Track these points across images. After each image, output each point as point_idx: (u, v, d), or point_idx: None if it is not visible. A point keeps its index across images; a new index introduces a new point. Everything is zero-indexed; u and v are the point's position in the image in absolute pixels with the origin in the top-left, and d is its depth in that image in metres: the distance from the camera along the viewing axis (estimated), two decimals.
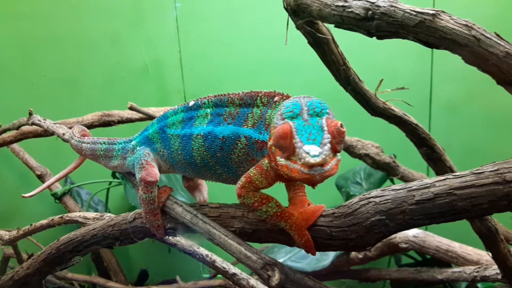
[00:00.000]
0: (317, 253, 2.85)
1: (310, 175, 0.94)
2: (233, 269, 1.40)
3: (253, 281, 1.38)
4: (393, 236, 2.42)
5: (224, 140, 1.22)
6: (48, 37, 3.05)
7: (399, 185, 1.10)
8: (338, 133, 1.00)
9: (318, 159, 0.93)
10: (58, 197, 2.87)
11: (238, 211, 1.27)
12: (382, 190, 1.10)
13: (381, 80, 1.67)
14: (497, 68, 1.00)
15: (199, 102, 1.31)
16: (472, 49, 1.01)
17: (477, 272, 2.05)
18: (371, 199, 1.09)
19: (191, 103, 1.33)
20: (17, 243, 2.68)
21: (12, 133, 2.54)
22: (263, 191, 1.20)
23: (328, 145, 0.96)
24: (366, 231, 1.08)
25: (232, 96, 1.26)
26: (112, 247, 1.53)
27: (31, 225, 1.78)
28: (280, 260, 2.74)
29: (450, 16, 1.05)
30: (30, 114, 2.01)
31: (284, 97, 1.18)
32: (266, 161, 1.15)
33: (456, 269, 2.18)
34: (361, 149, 2.86)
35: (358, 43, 2.54)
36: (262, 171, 1.14)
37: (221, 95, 1.28)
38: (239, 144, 1.21)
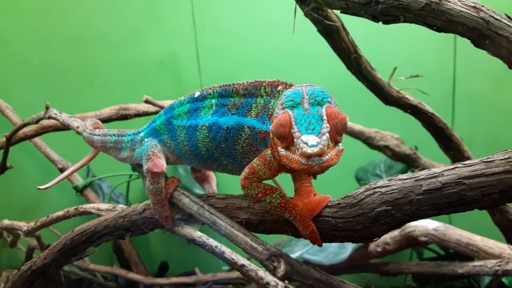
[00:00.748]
0: (335, 246, 2.82)
1: (308, 165, 0.92)
2: (242, 260, 1.39)
3: (261, 272, 1.37)
4: (413, 229, 2.37)
5: (228, 130, 1.21)
6: (69, 34, 3.11)
7: (406, 174, 1.06)
8: (338, 122, 0.97)
9: (315, 149, 0.91)
10: (79, 190, 2.93)
11: (244, 202, 1.26)
12: (388, 180, 1.07)
13: (395, 68, 1.62)
14: (507, 51, 0.95)
15: (205, 92, 1.30)
16: (481, 32, 0.97)
17: (498, 266, 1.99)
18: (377, 189, 1.06)
19: (197, 93, 1.32)
20: (42, 235, 2.76)
21: (33, 127, 2.59)
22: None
23: (327, 134, 0.94)
24: (371, 222, 1.06)
25: (236, 86, 1.25)
26: (124, 238, 1.54)
27: (48, 216, 1.81)
28: (298, 253, 2.74)
29: None
30: (47, 108, 2.04)
31: (287, 86, 1.16)
32: (269, 151, 1.13)
33: (477, 263, 2.12)
34: (380, 141, 2.80)
35: (380, 32, 2.49)
36: (265, 162, 1.13)
37: (226, 85, 1.27)
38: (243, 135, 1.20)
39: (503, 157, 0.98)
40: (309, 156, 0.92)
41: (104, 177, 3.12)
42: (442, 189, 1.00)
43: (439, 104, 3.10)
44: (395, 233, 2.45)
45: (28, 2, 3.03)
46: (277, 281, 1.32)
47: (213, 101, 1.28)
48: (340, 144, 0.99)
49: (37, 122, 2.38)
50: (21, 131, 2.53)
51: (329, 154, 0.94)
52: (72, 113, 2.09)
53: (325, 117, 0.97)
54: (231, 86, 1.26)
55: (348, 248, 2.62)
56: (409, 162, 2.78)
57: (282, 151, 1.00)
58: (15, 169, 2.60)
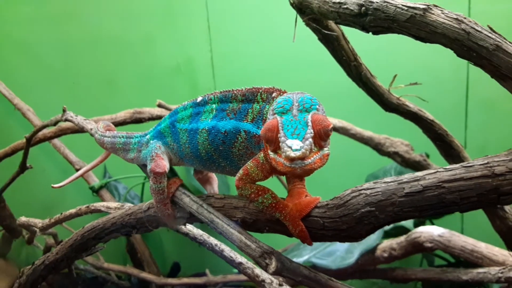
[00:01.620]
0: (342, 251, 2.84)
1: (292, 168, 0.99)
2: (240, 259, 1.46)
3: (257, 270, 1.43)
4: (418, 235, 2.39)
5: (226, 134, 1.28)
6: (88, 39, 3.24)
7: (391, 178, 1.11)
8: (322, 128, 1.03)
9: (298, 153, 0.98)
10: (95, 190, 3.04)
11: (240, 202, 1.32)
12: (374, 183, 1.12)
13: (395, 76, 1.67)
14: (487, 61, 0.99)
15: (206, 98, 1.38)
16: (462, 43, 1.01)
17: (501, 273, 2.00)
18: (362, 191, 1.11)
19: (199, 99, 1.40)
20: (58, 233, 2.88)
21: (52, 129, 2.71)
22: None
23: (310, 140, 1.01)
24: (356, 222, 1.11)
25: (236, 92, 1.32)
26: (130, 235, 1.62)
27: (61, 213, 1.91)
28: (305, 257, 2.79)
29: (442, 10, 1.05)
30: (64, 110, 2.15)
31: (281, 93, 1.23)
32: (262, 154, 1.20)
33: (481, 270, 2.13)
34: (389, 147, 2.83)
35: (393, 40, 2.52)
36: (258, 164, 1.20)
37: (226, 91, 1.34)
38: (239, 138, 1.27)
39: (482, 162, 1.02)
40: (292, 159, 0.98)
41: (119, 178, 3.23)
42: (423, 192, 1.04)
43: (452, 110, 3.12)
44: (401, 239, 2.48)
45: (49, 9, 3.17)
46: (272, 278, 1.38)
47: (214, 106, 1.35)
48: (325, 149, 1.06)
49: (55, 124, 2.49)
50: (40, 133, 2.65)
51: (312, 158, 1.00)
52: (90, 116, 2.20)
53: (310, 123, 1.03)
54: (231, 92, 1.33)
55: (355, 253, 2.65)
56: (419, 169, 2.79)
57: (271, 154, 1.07)
58: (35, 169, 2.72)
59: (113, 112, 2.76)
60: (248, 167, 1.21)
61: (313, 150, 1.02)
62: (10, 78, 3.19)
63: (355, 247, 2.66)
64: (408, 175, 1.09)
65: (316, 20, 1.44)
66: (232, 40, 3.18)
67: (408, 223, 2.59)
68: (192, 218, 1.43)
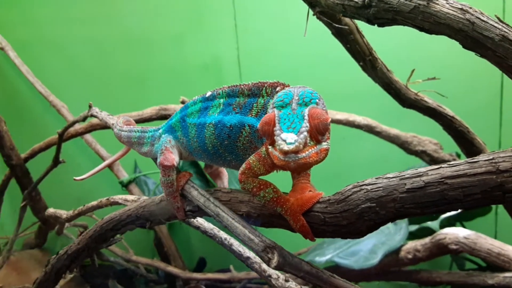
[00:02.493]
0: (366, 251, 2.80)
1: (285, 161, 0.98)
2: (248, 253, 1.47)
3: (265, 265, 1.43)
4: (443, 236, 2.32)
5: (231, 128, 1.29)
6: (120, 39, 3.34)
7: (393, 173, 1.08)
8: (319, 122, 1.02)
9: (291, 146, 0.97)
10: (125, 185, 3.13)
11: (245, 196, 1.32)
12: (376, 178, 1.10)
13: (413, 71, 1.62)
14: (492, 52, 0.95)
15: (215, 92, 1.39)
16: (466, 34, 0.97)
17: None
18: (364, 187, 1.09)
19: (208, 93, 1.41)
20: (89, 225, 2.98)
21: (83, 125, 2.81)
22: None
23: (305, 133, 0.99)
24: (356, 218, 1.09)
25: (242, 87, 1.32)
26: (145, 227, 1.65)
27: (84, 205, 1.98)
28: (328, 256, 2.76)
29: (447, 0, 1.02)
30: (90, 106, 2.22)
31: (284, 87, 1.22)
32: (264, 148, 1.19)
33: (507, 274, 2.04)
34: (417, 146, 2.75)
35: (423, 35, 2.46)
36: (260, 158, 1.19)
37: (234, 85, 1.35)
38: (243, 133, 1.27)
39: (487, 158, 0.98)
40: (285, 153, 0.98)
41: (148, 173, 3.31)
42: (425, 188, 1.01)
43: (485, 106, 3.01)
44: (426, 240, 2.41)
45: (82, 10, 3.30)
46: (279, 273, 1.38)
47: (221, 100, 1.36)
48: (324, 143, 1.04)
49: (84, 120, 2.58)
50: (72, 129, 2.76)
51: (307, 152, 0.99)
52: (121, 113, 2.26)
53: (306, 117, 1.02)
54: (238, 86, 1.34)
55: (378, 254, 2.60)
56: None
57: (269, 148, 1.07)
58: (69, 164, 2.83)
59: (143, 109, 2.84)
60: (251, 161, 1.21)
61: (309, 144, 1.00)
62: (45, 76, 3.34)
63: (378, 248, 2.62)
64: (411, 171, 1.06)
65: (327, 14, 1.43)
66: (258, 38, 3.19)
67: (434, 224, 2.51)
68: (201, 212, 1.45)
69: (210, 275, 3.15)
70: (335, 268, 2.72)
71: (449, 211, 1.02)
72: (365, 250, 2.66)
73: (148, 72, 3.34)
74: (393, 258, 2.58)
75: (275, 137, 1.02)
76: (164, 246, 3.20)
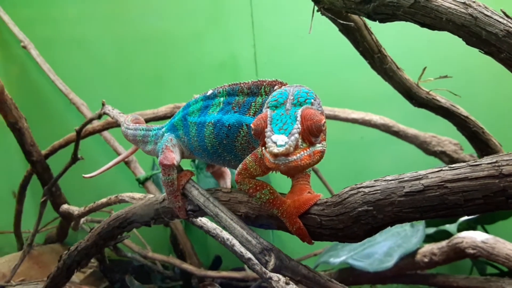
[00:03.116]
0: (381, 253, 2.73)
1: (275, 164, 0.95)
2: (249, 254, 1.44)
3: None
4: (460, 240, 2.24)
5: (229, 128, 1.27)
6: (139, 37, 3.37)
7: (392, 176, 1.04)
8: (312, 124, 0.98)
9: (281, 149, 0.93)
10: (141, 182, 3.15)
11: (244, 197, 1.30)
12: (374, 181, 1.06)
13: (424, 69, 1.56)
14: (496, 48, 0.89)
15: (216, 91, 1.37)
16: (469, 29, 0.91)
17: None
18: (361, 189, 1.05)
19: (209, 92, 1.39)
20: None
21: (100, 122, 2.84)
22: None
23: (296, 135, 0.96)
24: (353, 222, 1.05)
25: (242, 85, 1.30)
26: (150, 225, 1.65)
27: (94, 202, 2.00)
28: (343, 258, 2.71)
29: None
30: (103, 104, 2.24)
31: (282, 86, 1.18)
32: (260, 149, 1.16)
33: None
34: (436, 146, 2.67)
35: (435, 32, 2.38)
36: (256, 159, 1.17)
37: (234, 84, 1.32)
38: (241, 132, 1.24)
39: (490, 161, 0.92)
40: (275, 155, 0.94)
41: None
42: (424, 191, 0.96)
43: (504, 108, 2.89)
44: (443, 244, 2.33)
45: (102, 9, 3.34)
46: (279, 276, 1.35)
47: (222, 99, 1.34)
48: (318, 145, 1.00)
49: (99, 117, 2.61)
50: (89, 126, 2.79)
51: (298, 155, 0.95)
52: (140, 110, 2.26)
53: (298, 118, 0.98)
54: (238, 85, 1.31)
55: (394, 256, 2.53)
56: None
57: (263, 149, 1.04)
58: (88, 161, 2.86)
59: (160, 107, 2.85)
60: (247, 161, 1.18)
61: (301, 147, 0.97)
62: (66, 74, 3.39)
63: (394, 250, 2.55)
64: (410, 173, 1.02)
65: (333, 11, 1.38)
66: (275, 36, 3.16)
67: (452, 227, 2.43)
68: (202, 211, 1.43)
69: (224, 273, 3.14)
70: (350, 270, 2.67)
71: (449, 216, 0.97)
72: (380, 252, 2.59)
73: (166, 71, 3.36)
74: (409, 261, 2.51)
75: (265, 139, 0.98)
76: (180, 243, 3.21)
